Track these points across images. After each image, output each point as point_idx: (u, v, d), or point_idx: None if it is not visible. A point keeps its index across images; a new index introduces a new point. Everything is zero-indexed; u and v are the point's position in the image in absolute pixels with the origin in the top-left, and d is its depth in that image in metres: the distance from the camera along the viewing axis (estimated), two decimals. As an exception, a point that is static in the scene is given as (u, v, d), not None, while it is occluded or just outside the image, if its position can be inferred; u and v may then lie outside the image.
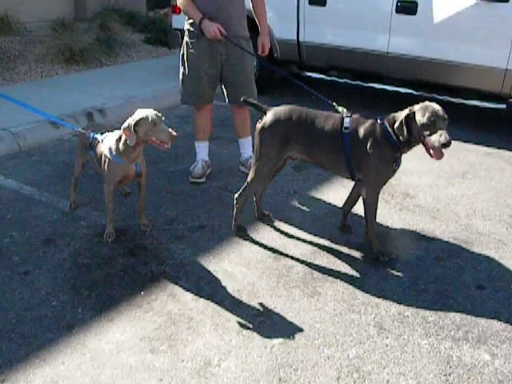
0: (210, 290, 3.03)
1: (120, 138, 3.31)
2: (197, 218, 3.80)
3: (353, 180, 3.41)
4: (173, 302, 2.94)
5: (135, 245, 3.44)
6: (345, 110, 3.35)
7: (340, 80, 6.41)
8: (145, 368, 2.49)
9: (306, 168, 4.66)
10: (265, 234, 3.62)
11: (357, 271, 3.24)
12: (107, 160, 3.35)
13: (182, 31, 6.91)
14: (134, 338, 2.68)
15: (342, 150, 3.23)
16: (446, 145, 2.94)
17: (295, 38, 6.41)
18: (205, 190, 4.21)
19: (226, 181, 4.37)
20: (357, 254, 3.41)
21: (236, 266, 3.27)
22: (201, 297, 2.97)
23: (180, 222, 3.73)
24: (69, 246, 3.45)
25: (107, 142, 3.38)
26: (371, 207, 3.37)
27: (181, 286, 3.06)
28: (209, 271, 3.20)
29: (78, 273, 3.18)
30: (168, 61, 8.45)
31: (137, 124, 3.19)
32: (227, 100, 4.35)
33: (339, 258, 3.36)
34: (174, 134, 3.20)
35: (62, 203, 3.98)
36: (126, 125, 3.21)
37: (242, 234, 3.60)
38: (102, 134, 3.50)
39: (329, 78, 6.48)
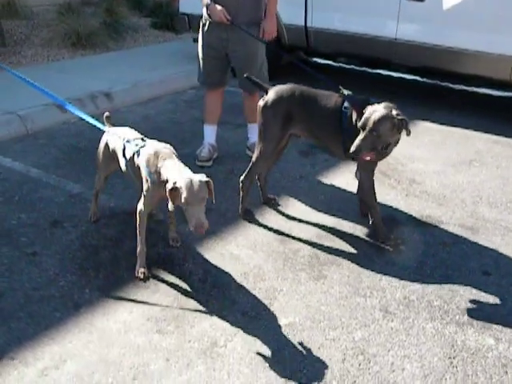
0: (217, 272, 3.05)
1: (155, 153, 2.86)
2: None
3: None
4: (180, 283, 2.96)
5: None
6: (350, 93, 3.36)
7: (347, 66, 6.40)
8: (152, 348, 2.52)
9: (313, 153, 4.66)
10: (271, 217, 3.64)
11: (363, 255, 3.25)
12: (148, 182, 2.87)
13: (189, 16, 6.96)
14: (141, 319, 2.70)
15: (339, 129, 3.25)
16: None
17: (303, 23, 6.38)
18: (211, 173, 4.18)
19: (232, 165, 4.37)
20: (363, 239, 3.43)
21: (242, 248, 3.28)
22: (207, 279, 3.00)
23: (187, 206, 3.74)
24: (76, 227, 3.47)
25: (144, 157, 2.88)
26: (366, 189, 3.37)
27: (188, 268, 3.08)
28: (216, 254, 3.22)
29: (85, 254, 3.20)
30: (175, 46, 8.44)
31: (174, 189, 2.64)
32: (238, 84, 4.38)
33: (345, 242, 3.37)
34: (205, 227, 2.61)
35: (69, 186, 3.99)
36: (169, 186, 2.64)
37: (249, 217, 3.62)
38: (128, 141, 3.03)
39: (336, 64, 6.47)
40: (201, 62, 4.35)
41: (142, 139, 3.04)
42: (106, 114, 3.41)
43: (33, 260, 3.15)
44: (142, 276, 2.96)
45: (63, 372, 2.39)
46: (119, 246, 3.27)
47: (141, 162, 2.88)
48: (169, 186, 2.64)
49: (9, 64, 7.03)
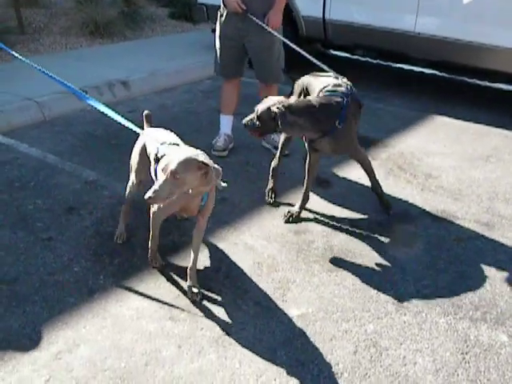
0: (231, 261, 3.05)
1: None
2: (218, 191, 3.80)
3: None
4: (193, 271, 2.97)
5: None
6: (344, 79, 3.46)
7: (363, 59, 6.36)
8: (164, 334, 2.53)
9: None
10: (286, 208, 3.63)
11: (377, 249, 3.24)
12: None
13: (207, 6, 6.94)
14: (153, 306, 2.71)
15: None
16: None
17: (321, 15, 6.34)
18: (227, 163, 4.20)
19: (247, 156, 4.37)
20: (377, 232, 3.41)
21: (257, 239, 3.28)
22: (221, 268, 3.00)
23: (201, 195, 3.74)
24: (91, 214, 3.49)
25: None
26: (365, 162, 3.50)
27: (200, 257, 3.08)
28: (229, 243, 3.23)
29: (100, 240, 3.22)
30: (192, 36, 8.44)
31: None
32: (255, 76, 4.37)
33: (359, 235, 3.36)
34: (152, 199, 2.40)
35: (85, 173, 4.02)
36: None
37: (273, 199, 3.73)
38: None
39: (353, 57, 6.43)
40: (218, 52, 4.34)
41: (176, 144, 2.77)
42: (146, 112, 3.18)
43: (48, 245, 3.18)
44: (155, 264, 2.98)
45: (76, 356, 2.41)
46: (134, 234, 3.29)
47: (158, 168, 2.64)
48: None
49: (27, 52, 7.08)
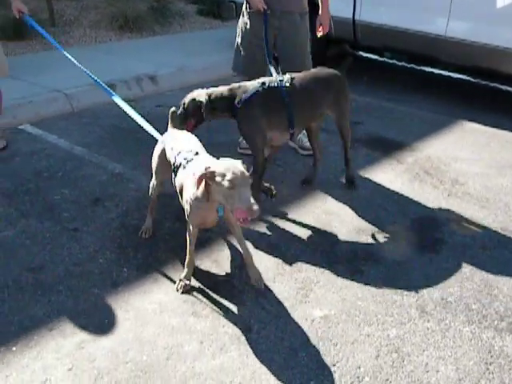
0: (254, 259, 3.05)
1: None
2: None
3: None
4: (216, 268, 2.98)
5: (182, 210, 3.47)
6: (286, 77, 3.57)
7: (390, 61, 6.32)
8: (186, 330, 2.54)
9: (355, 147, 4.61)
10: (310, 209, 3.62)
11: (401, 253, 3.21)
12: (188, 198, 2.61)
13: (236, 3, 6.94)
14: (177, 300, 2.72)
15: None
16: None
17: (351, 16, 6.31)
18: (251, 162, 4.20)
19: (273, 155, 4.35)
20: (402, 236, 3.38)
21: (280, 238, 3.28)
22: (244, 266, 3.00)
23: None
24: (117, 206, 3.52)
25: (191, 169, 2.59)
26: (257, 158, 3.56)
27: (225, 254, 3.09)
28: (253, 241, 3.22)
29: (125, 233, 3.24)
30: (220, 33, 8.43)
31: (212, 177, 2.40)
32: (280, 73, 4.32)
33: (384, 239, 3.34)
34: (255, 208, 2.33)
35: (111, 165, 4.05)
36: (198, 173, 2.44)
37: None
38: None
39: (380, 59, 6.39)
40: (242, 50, 4.23)
41: (197, 153, 2.72)
42: (172, 109, 3.16)
43: (74, 236, 3.21)
44: (181, 289, 2.78)
45: (99, 347, 2.43)
46: (158, 227, 3.30)
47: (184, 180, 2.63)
48: (199, 171, 2.42)
49: (58, 43, 7.14)
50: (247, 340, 2.50)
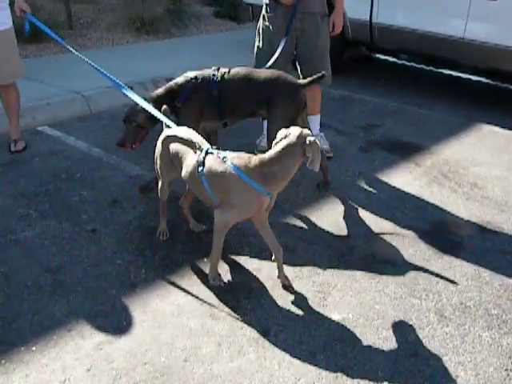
0: (272, 262, 3.04)
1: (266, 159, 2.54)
2: (260, 191, 3.82)
3: None
4: (234, 270, 2.98)
5: (200, 212, 3.48)
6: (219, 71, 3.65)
7: (408, 63, 6.28)
8: (204, 332, 2.54)
9: (372, 150, 4.61)
10: (328, 212, 3.61)
11: (420, 257, 3.19)
12: (238, 183, 2.56)
13: (253, 6, 6.95)
14: (194, 302, 2.73)
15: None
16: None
17: (368, 18, 6.29)
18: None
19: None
20: (420, 240, 3.36)
21: (298, 241, 3.27)
22: (262, 268, 3.00)
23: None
24: (135, 208, 3.53)
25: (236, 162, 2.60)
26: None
27: (243, 256, 3.09)
28: (271, 244, 3.22)
29: (143, 235, 3.25)
30: (237, 35, 8.46)
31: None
32: (301, 76, 4.31)
33: (402, 242, 3.31)
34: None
35: (129, 167, 4.07)
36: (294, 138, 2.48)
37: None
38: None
39: (399, 61, 6.36)
40: (262, 56, 4.17)
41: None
42: (164, 107, 3.18)
43: (92, 237, 3.22)
44: (216, 282, 2.83)
45: (117, 347, 2.44)
46: (176, 230, 3.31)
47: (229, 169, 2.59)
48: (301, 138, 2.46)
49: (75, 46, 7.20)
50: (265, 343, 2.49)
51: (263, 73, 3.64)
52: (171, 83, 3.63)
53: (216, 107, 3.58)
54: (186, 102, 3.53)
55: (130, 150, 3.63)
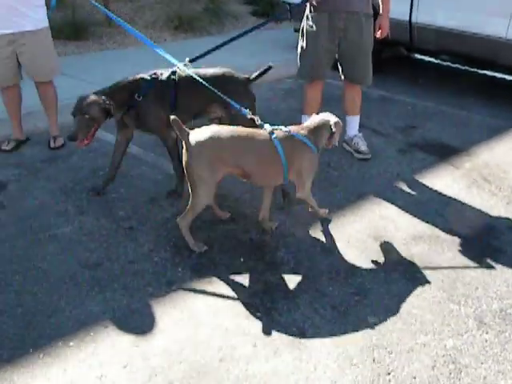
0: (308, 263, 3.03)
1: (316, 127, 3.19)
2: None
3: None
4: (271, 271, 2.96)
5: (236, 212, 3.48)
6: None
7: (444, 63, 6.18)
8: (240, 332, 2.54)
9: (411, 152, 4.54)
10: (366, 214, 3.57)
11: (459, 261, 3.13)
12: (308, 152, 3.10)
13: (290, 5, 6.92)
14: (230, 302, 2.72)
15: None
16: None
17: (407, 18, 6.20)
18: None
19: (328, 158, 4.31)
20: (460, 244, 3.29)
21: (336, 242, 3.24)
22: (299, 269, 2.98)
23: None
24: (172, 206, 3.55)
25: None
26: (168, 144, 3.61)
27: (279, 257, 3.08)
28: (308, 245, 3.20)
29: (179, 233, 3.25)
30: (274, 34, 8.43)
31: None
32: (342, 76, 4.28)
33: (441, 246, 3.26)
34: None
35: (166, 165, 4.08)
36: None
37: None
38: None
39: (435, 61, 6.26)
40: (306, 57, 4.19)
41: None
42: (172, 117, 2.92)
43: (129, 234, 3.25)
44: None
45: (153, 345, 2.45)
46: (213, 229, 3.32)
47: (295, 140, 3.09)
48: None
49: (114, 43, 7.31)
50: (301, 344, 2.48)
51: (215, 72, 3.73)
52: (134, 77, 3.60)
53: (169, 104, 3.55)
54: (145, 96, 3.49)
55: (83, 146, 3.42)
